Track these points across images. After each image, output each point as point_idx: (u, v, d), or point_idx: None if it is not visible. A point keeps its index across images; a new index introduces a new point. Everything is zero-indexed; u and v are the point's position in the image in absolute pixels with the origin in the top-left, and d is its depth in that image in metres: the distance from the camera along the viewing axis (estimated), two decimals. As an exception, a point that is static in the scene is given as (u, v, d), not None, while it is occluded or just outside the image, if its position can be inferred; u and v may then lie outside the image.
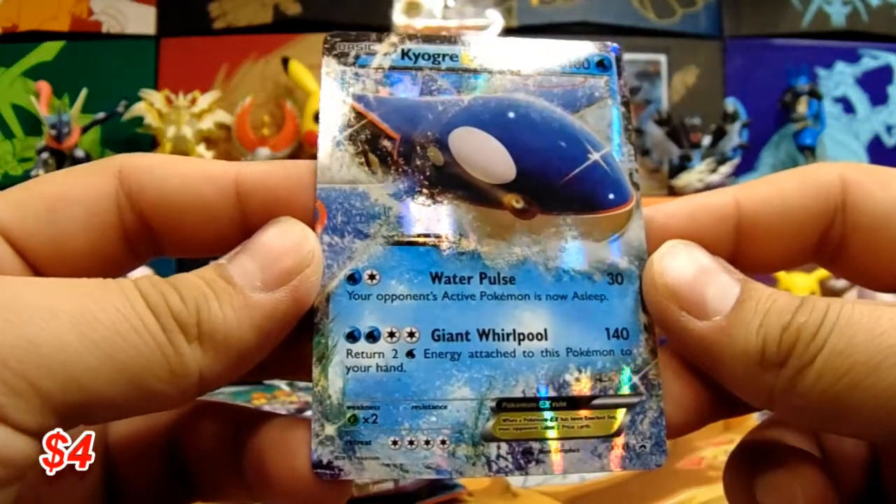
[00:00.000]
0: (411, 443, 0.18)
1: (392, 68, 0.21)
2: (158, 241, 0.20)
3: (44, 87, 1.06)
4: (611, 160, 0.21)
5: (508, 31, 1.13)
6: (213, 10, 1.15)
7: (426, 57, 0.22)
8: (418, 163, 0.20)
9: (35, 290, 0.16)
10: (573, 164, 0.21)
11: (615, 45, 0.23)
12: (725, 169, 1.06)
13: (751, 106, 1.11)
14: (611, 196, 0.21)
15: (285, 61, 1.08)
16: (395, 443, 0.18)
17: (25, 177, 1.04)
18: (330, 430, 0.18)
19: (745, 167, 1.13)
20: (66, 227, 0.19)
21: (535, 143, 0.21)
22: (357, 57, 0.21)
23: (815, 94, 1.10)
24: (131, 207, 0.19)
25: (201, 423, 0.21)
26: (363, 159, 0.20)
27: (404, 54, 0.22)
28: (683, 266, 0.19)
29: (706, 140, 1.08)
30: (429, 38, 0.22)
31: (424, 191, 0.20)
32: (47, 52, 1.13)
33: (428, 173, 0.20)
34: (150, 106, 1.07)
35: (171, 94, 1.09)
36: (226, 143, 1.12)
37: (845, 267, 0.21)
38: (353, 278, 0.19)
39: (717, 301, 0.18)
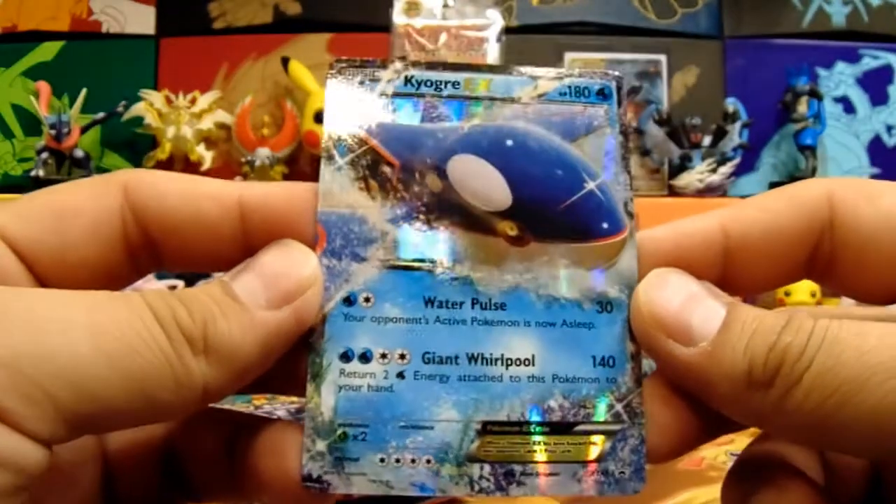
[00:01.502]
0: (398, 461, 0.19)
1: (395, 94, 0.22)
2: (160, 255, 0.20)
3: (43, 87, 1.07)
4: (606, 189, 0.22)
5: (508, 31, 1.14)
6: (212, 10, 1.15)
7: (429, 84, 0.22)
8: (416, 189, 0.21)
9: (49, 301, 0.16)
10: (569, 193, 0.21)
11: (618, 74, 0.23)
12: (726, 169, 1.07)
13: (751, 106, 1.11)
14: (605, 225, 0.21)
15: (285, 61, 1.08)
16: (382, 460, 0.19)
17: (25, 177, 1.04)
18: (321, 445, 0.19)
19: (746, 167, 1.13)
20: (71, 238, 0.19)
21: (531, 171, 0.21)
22: (361, 83, 0.22)
23: (815, 94, 1.10)
24: (136, 221, 0.20)
25: (197, 427, 0.21)
26: (363, 184, 0.21)
27: (407, 81, 0.22)
28: (669, 294, 0.19)
29: (706, 140, 1.08)
30: (432, 65, 0.23)
31: (421, 216, 0.21)
32: (47, 52, 1.13)
33: (425, 199, 0.21)
34: (149, 106, 1.07)
35: (170, 94, 1.09)
36: (226, 143, 1.12)
37: (836, 282, 0.21)
38: (348, 300, 0.20)
39: (703, 326, 0.19)
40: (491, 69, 0.23)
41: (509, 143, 0.22)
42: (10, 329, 0.15)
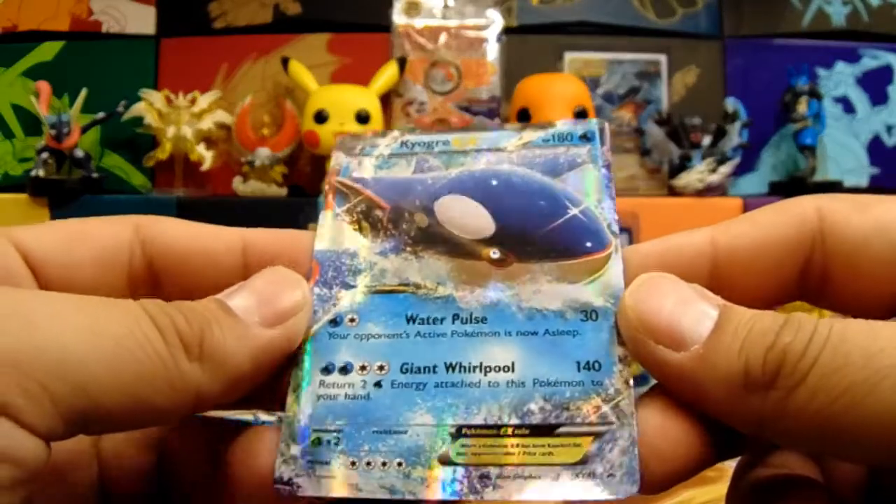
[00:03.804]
0: (368, 464, 0.19)
1: (391, 155, 0.24)
2: (163, 291, 0.22)
3: (44, 86, 1.06)
4: (590, 213, 0.22)
5: (508, 31, 1.14)
6: (212, 10, 1.15)
7: (422, 144, 0.24)
8: (405, 226, 0.23)
9: (46, 302, 0.17)
10: (552, 218, 0.22)
11: (600, 120, 0.24)
12: (725, 169, 1.06)
13: (751, 106, 1.11)
14: (588, 244, 0.22)
15: (285, 61, 1.08)
16: (353, 463, 0.19)
17: (25, 177, 1.04)
18: (294, 450, 0.20)
19: (746, 167, 1.13)
20: (80, 257, 0.21)
21: (514, 203, 0.23)
22: (362, 149, 0.25)
23: (815, 94, 1.10)
24: (143, 254, 0.21)
25: (187, 433, 0.22)
26: (357, 227, 0.23)
27: (403, 144, 0.25)
28: (657, 297, 0.19)
29: (706, 140, 1.08)
30: (426, 131, 0.25)
31: (408, 248, 0.22)
32: (47, 51, 1.13)
33: (413, 234, 0.23)
34: (149, 106, 1.07)
35: (170, 94, 1.09)
36: (226, 143, 1.12)
37: (829, 298, 0.21)
38: (334, 321, 0.21)
39: (694, 329, 0.18)
40: (478, 129, 0.25)
41: (494, 182, 0.23)
42: (6, 327, 0.16)
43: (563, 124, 0.24)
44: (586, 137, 0.24)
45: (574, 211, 0.22)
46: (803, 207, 0.20)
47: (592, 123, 0.24)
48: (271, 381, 0.20)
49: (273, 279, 0.20)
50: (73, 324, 0.16)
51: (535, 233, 0.22)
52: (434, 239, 0.22)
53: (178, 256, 0.21)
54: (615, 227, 0.22)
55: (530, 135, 0.24)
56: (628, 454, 0.19)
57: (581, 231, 0.22)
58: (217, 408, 0.19)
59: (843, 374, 0.16)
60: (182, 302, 0.19)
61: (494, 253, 0.22)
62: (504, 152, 0.24)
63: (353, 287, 0.22)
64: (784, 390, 0.16)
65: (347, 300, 0.21)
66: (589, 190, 0.23)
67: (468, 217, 0.22)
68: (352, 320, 0.21)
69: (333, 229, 0.23)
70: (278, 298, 0.20)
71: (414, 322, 0.21)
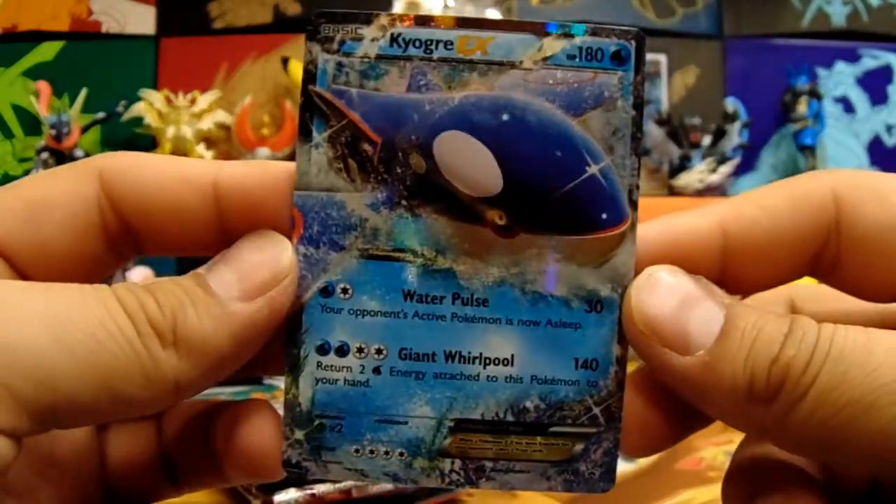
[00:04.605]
0: (372, 452, 0.20)
1: (379, 57, 0.20)
2: (139, 241, 0.20)
3: (44, 87, 1.07)
4: (610, 174, 0.20)
5: (508, 31, 1.14)
6: (212, 10, 1.15)
7: (417, 44, 0.20)
8: (399, 171, 0.20)
9: (10, 292, 0.16)
10: (567, 178, 0.20)
11: (638, 30, 0.20)
12: (725, 169, 1.07)
13: (751, 106, 1.11)
14: (604, 216, 0.20)
15: (285, 61, 1.08)
16: (357, 451, 0.20)
17: (25, 176, 1.04)
18: (299, 434, 0.20)
19: (745, 167, 1.13)
20: (48, 229, 0.19)
21: (527, 152, 0.20)
22: (342, 43, 0.20)
23: (815, 94, 1.10)
24: (112, 209, 0.19)
25: (183, 420, 0.21)
26: (341, 165, 0.20)
27: (393, 40, 0.20)
28: (662, 297, 0.19)
29: (706, 140, 1.08)
30: (422, 20, 0.20)
31: (403, 202, 0.20)
32: (47, 52, 1.13)
33: (408, 182, 0.20)
34: (149, 106, 1.07)
35: (170, 94, 1.09)
36: (226, 143, 1.12)
37: (840, 282, 0.20)
38: (326, 291, 0.20)
39: (700, 334, 0.18)
40: (489, 25, 0.20)
41: (505, 117, 0.19)
42: None
43: (593, 35, 0.20)
44: (619, 57, 0.20)
45: (593, 170, 0.19)
46: (820, 194, 0.19)
47: (629, 35, 0.20)
48: (272, 345, 0.19)
49: (255, 246, 0.19)
50: (35, 315, 0.16)
51: (546, 196, 0.19)
52: (433, 192, 0.19)
53: (149, 211, 0.19)
54: (635, 195, 0.20)
55: (552, 45, 0.20)
56: (610, 455, 0.20)
57: (598, 198, 0.19)
58: (227, 383, 0.19)
59: (842, 392, 0.16)
60: (156, 283, 0.18)
61: (501, 219, 0.20)
62: (519, 70, 0.20)
63: (342, 248, 0.20)
64: (786, 404, 0.17)
65: (338, 266, 0.19)
66: (613, 142, 0.20)
67: (473, 167, 0.19)
68: (345, 291, 0.20)
69: (315, 166, 0.19)
70: (260, 268, 0.18)
71: (412, 299, 0.20)
